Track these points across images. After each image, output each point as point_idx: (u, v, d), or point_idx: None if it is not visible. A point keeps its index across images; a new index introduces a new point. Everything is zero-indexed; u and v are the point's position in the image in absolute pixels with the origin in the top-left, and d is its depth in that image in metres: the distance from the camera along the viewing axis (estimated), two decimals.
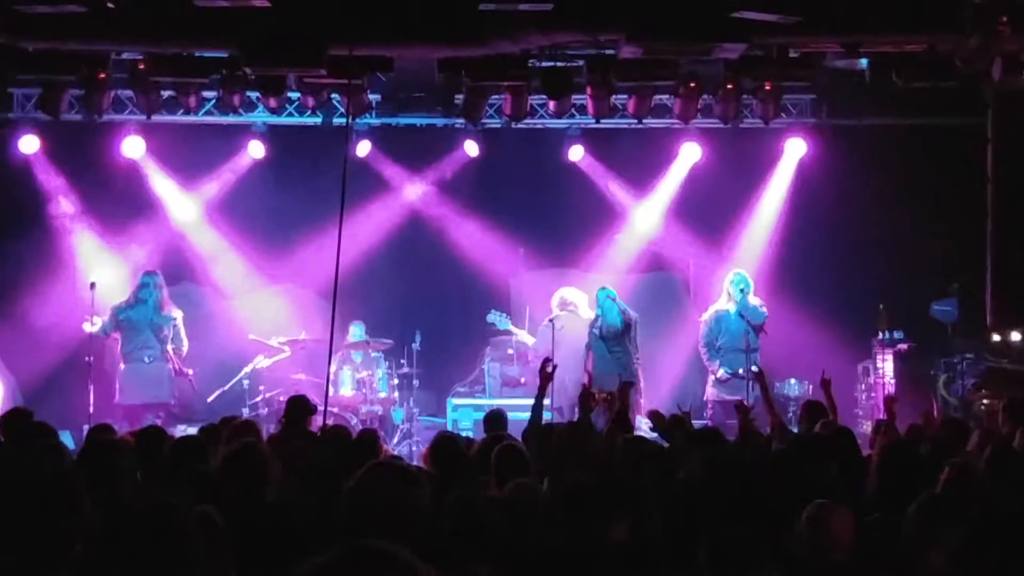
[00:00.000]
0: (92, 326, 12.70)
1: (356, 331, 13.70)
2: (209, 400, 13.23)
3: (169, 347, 12.98)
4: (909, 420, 9.21)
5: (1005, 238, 13.24)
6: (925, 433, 8.37)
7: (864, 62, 11.89)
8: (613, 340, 12.87)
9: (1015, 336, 13.08)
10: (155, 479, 6.17)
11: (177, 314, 13.12)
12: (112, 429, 8.02)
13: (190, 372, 13.04)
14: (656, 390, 13.45)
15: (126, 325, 12.94)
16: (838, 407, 9.06)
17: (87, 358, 12.73)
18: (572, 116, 13.63)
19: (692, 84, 12.58)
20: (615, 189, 14.70)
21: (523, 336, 13.70)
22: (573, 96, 12.80)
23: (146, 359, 12.90)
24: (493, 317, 13.63)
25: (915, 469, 6.17)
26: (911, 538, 4.93)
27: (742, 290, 13.03)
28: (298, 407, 8.82)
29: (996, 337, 13.18)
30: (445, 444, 7.27)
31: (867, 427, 12.22)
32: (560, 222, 14.62)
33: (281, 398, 12.37)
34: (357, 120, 13.22)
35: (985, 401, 12.35)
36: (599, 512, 5.03)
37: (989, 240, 13.36)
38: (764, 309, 13.13)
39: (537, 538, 5.10)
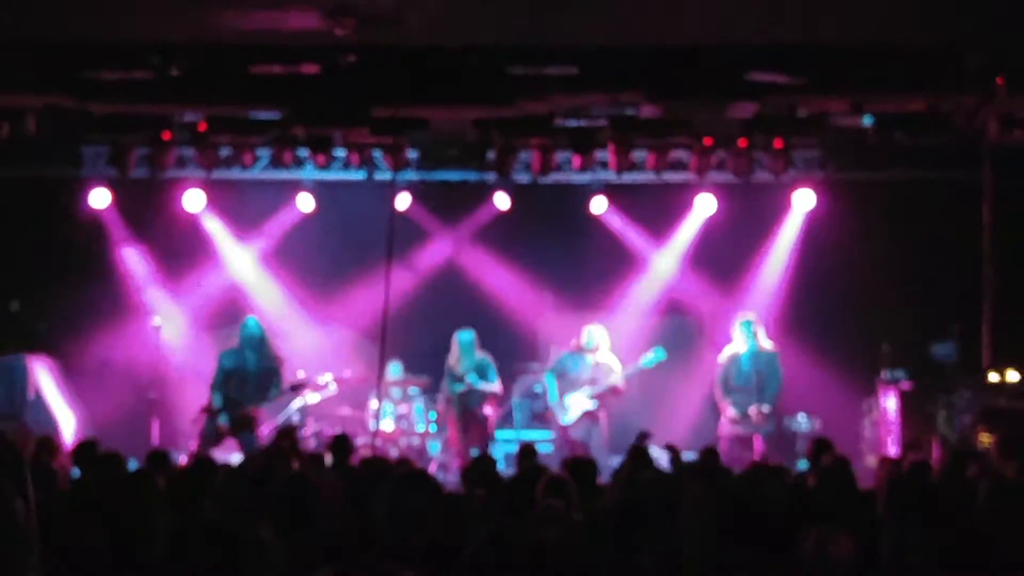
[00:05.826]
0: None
1: (394, 369, 14.00)
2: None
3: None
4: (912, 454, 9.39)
5: (1001, 284, 13.49)
6: (925, 464, 8.53)
7: (868, 120, 11.96)
8: None
9: (1012, 376, 13.01)
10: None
11: None
12: (168, 455, 8.68)
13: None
14: (673, 427, 13.55)
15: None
16: (844, 441, 9.16)
17: (151, 395, 13.37)
18: (595, 171, 13.76)
19: (707, 141, 12.78)
20: (635, 239, 15.12)
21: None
22: (596, 152, 12.96)
23: None
24: (656, 353, 13.35)
25: (921, 499, 6.27)
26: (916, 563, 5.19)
27: (754, 334, 13.08)
28: (341, 445, 9.32)
29: (993, 376, 13.16)
30: (481, 464, 7.76)
31: (871, 461, 12.49)
32: (584, 269, 14.95)
33: (328, 431, 12.90)
34: (398, 175, 13.45)
35: (982, 437, 12.15)
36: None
37: (986, 286, 13.57)
38: (775, 349, 13.18)
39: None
